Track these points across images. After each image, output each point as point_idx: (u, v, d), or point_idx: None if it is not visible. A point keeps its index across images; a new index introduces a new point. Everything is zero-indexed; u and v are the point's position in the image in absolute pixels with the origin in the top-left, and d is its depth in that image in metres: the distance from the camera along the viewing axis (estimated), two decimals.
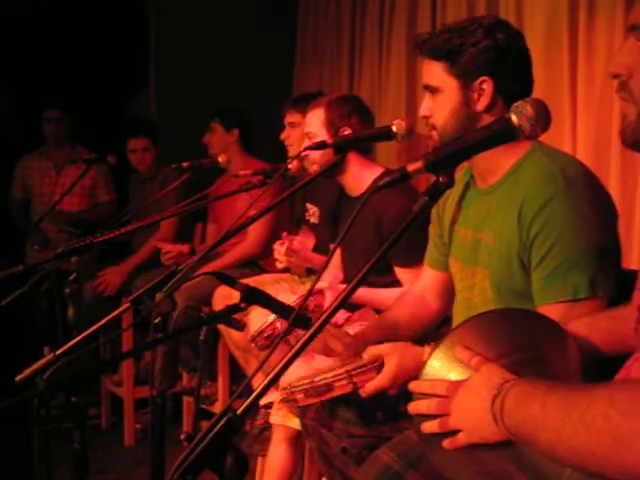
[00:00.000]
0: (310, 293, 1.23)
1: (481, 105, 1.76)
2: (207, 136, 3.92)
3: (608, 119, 2.61)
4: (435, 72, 1.80)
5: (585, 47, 2.70)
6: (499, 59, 1.75)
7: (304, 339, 1.09)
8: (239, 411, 1.02)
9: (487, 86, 1.75)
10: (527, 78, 1.82)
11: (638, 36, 1.13)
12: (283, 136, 3.38)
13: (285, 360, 1.07)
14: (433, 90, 1.81)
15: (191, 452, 1.00)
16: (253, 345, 2.17)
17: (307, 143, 2.63)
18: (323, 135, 2.62)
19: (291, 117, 3.37)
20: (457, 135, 1.74)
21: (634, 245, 2.50)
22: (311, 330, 1.10)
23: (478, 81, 1.76)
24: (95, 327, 1.61)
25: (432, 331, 2.16)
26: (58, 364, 1.38)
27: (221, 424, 1.01)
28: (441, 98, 1.80)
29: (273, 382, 1.06)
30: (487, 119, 1.74)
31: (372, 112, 2.88)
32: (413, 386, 1.33)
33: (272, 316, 2.03)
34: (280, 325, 2.07)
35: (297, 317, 1.52)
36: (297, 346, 1.09)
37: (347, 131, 2.65)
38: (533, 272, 1.67)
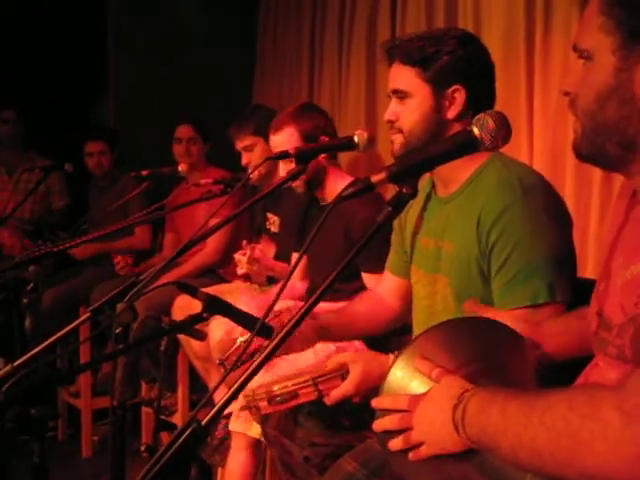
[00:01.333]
0: (275, 302, 1.22)
1: (452, 113, 1.79)
2: (185, 145, 3.87)
3: (564, 130, 2.65)
4: (406, 77, 1.81)
5: (541, 60, 2.74)
6: (471, 70, 1.79)
7: (268, 349, 1.09)
8: (204, 422, 1.02)
9: (459, 95, 1.78)
10: (493, 92, 1.86)
11: (578, 56, 1.19)
12: (244, 162, 3.34)
13: (249, 371, 1.06)
14: (403, 95, 1.82)
15: (155, 463, 0.99)
16: (221, 369, 2.15)
17: (283, 166, 2.63)
18: None
19: (242, 142, 3.34)
20: (425, 140, 1.77)
21: (589, 254, 2.54)
22: (275, 340, 1.10)
23: (451, 89, 1.78)
24: (55, 338, 1.58)
25: (390, 335, 2.18)
26: (17, 376, 1.36)
27: (186, 435, 1.01)
28: (411, 103, 1.81)
29: (237, 393, 1.06)
30: (456, 128, 1.76)
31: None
32: (375, 403, 1.33)
33: (240, 339, 2.02)
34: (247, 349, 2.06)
35: (261, 328, 1.52)
36: (261, 356, 1.08)
37: (325, 139, 2.67)
38: (493, 279, 1.70)
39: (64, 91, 4.59)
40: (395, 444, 1.27)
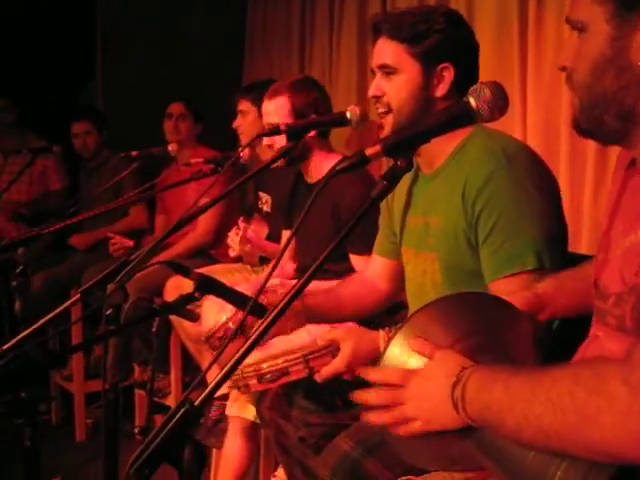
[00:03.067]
0: (267, 280, 1.20)
1: (440, 91, 1.77)
2: (174, 122, 3.86)
3: (557, 105, 2.63)
4: (395, 53, 1.77)
5: (534, 35, 2.72)
6: (460, 48, 1.78)
7: (260, 329, 1.07)
8: (197, 402, 1.00)
9: (448, 73, 1.76)
10: (477, 73, 1.84)
11: (572, 28, 1.18)
12: (235, 124, 3.36)
13: (242, 351, 1.04)
14: (390, 71, 1.78)
15: (148, 445, 0.97)
16: (207, 345, 2.14)
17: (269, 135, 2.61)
18: None
19: (241, 105, 3.35)
20: (412, 117, 1.75)
21: (583, 230, 2.53)
22: (267, 320, 1.08)
23: (440, 67, 1.76)
24: (44, 320, 1.56)
25: (382, 315, 2.16)
26: (5, 359, 1.34)
27: (179, 416, 0.99)
28: (399, 79, 1.77)
29: (230, 373, 1.04)
30: (442, 105, 1.74)
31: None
32: (363, 372, 1.30)
33: (224, 317, 2.00)
34: (232, 325, 2.04)
35: (253, 306, 1.50)
36: (253, 336, 1.07)
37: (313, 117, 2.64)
38: (480, 249, 1.69)
39: (54, 74, 4.56)
40: (379, 418, 1.23)
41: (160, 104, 3.91)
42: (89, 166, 4.31)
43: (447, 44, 1.75)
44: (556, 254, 1.64)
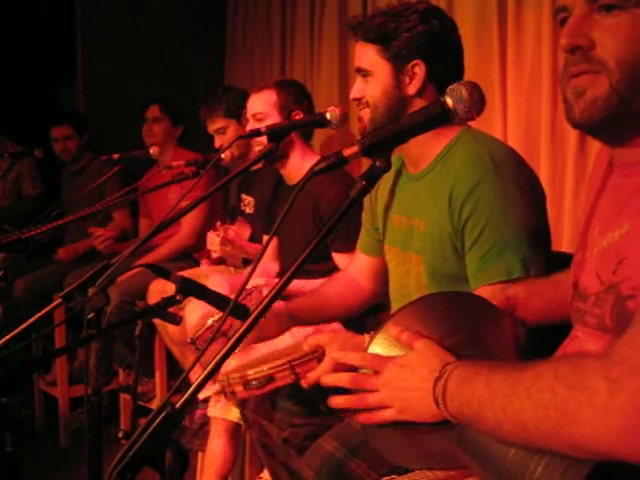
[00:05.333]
0: (247, 282, 1.20)
1: (412, 88, 1.77)
2: (149, 125, 3.84)
3: (537, 103, 2.65)
4: (368, 55, 1.80)
5: (514, 32, 2.73)
6: (432, 45, 1.76)
7: (241, 330, 1.07)
8: (178, 405, 1.00)
9: (419, 70, 1.76)
10: (459, 65, 1.83)
11: (601, 4, 1.08)
12: (217, 145, 3.31)
13: (223, 352, 1.04)
14: (365, 73, 1.81)
15: (129, 449, 0.97)
16: (192, 348, 2.13)
17: (253, 125, 2.61)
18: (275, 117, 2.62)
19: (214, 125, 3.31)
20: (388, 117, 1.76)
21: (565, 228, 2.55)
22: (248, 321, 1.08)
23: (410, 64, 1.76)
24: (25, 325, 1.54)
25: (366, 314, 2.16)
26: None
27: (160, 418, 0.98)
28: (373, 81, 1.80)
29: (212, 374, 1.04)
30: (418, 103, 1.76)
31: None
32: (340, 357, 1.31)
33: (211, 320, 1.99)
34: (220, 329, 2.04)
35: (234, 308, 1.50)
36: (234, 337, 1.06)
37: (299, 115, 2.66)
38: (466, 255, 1.69)
39: (33, 77, 4.52)
40: (348, 402, 1.24)
41: (142, 107, 3.89)
42: (71, 170, 4.28)
43: (417, 41, 1.75)
44: (541, 261, 1.64)
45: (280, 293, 1.11)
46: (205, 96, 3.41)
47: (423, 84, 1.76)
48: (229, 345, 1.05)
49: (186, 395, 1.01)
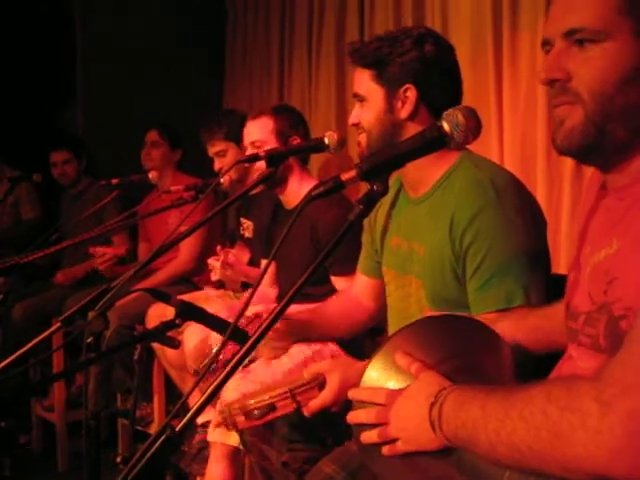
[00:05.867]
0: (247, 306, 1.20)
1: (404, 113, 1.78)
2: (148, 149, 3.85)
3: (533, 127, 2.67)
4: (364, 80, 1.82)
5: (509, 57, 2.75)
6: (425, 69, 1.77)
7: (240, 354, 1.07)
8: (177, 428, 1.00)
9: (411, 94, 1.78)
10: (454, 89, 1.84)
11: (575, 39, 1.13)
12: (216, 168, 3.32)
13: (222, 376, 1.04)
14: (361, 98, 1.84)
15: (129, 472, 0.97)
16: (192, 375, 2.13)
17: (251, 152, 2.62)
18: (272, 143, 2.64)
19: (214, 148, 3.32)
20: (383, 142, 1.78)
21: (562, 250, 2.55)
22: (247, 345, 1.08)
23: (402, 89, 1.78)
24: (24, 349, 1.55)
25: (363, 337, 2.17)
26: None
27: (159, 442, 0.99)
28: (367, 106, 1.82)
29: (211, 399, 1.04)
30: (411, 127, 1.77)
31: None
32: (352, 393, 1.32)
33: (215, 348, 1.99)
34: (223, 357, 2.04)
35: (234, 332, 1.50)
36: (234, 361, 1.07)
37: (296, 140, 2.68)
38: (468, 283, 1.69)
39: (32, 101, 4.54)
40: (368, 437, 1.25)
41: (141, 130, 3.90)
42: (70, 194, 4.28)
43: (409, 66, 1.77)
44: (542, 288, 1.64)
45: (279, 317, 1.12)
46: (204, 119, 3.43)
47: (415, 108, 1.78)
48: (228, 369, 1.05)
49: (185, 419, 1.01)
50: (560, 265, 2.50)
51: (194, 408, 1.01)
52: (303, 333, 2.03)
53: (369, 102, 1.82)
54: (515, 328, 1.50)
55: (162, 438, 0.99)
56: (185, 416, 1.01)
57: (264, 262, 2.98)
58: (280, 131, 2.67)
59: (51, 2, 4.63)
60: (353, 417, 1.30)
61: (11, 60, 4.52)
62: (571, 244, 2.45)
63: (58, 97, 4.74)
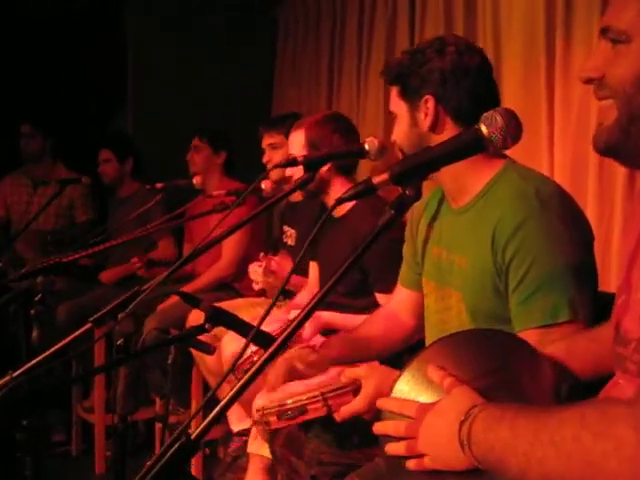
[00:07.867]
0: (270, 310, 1.17)
1: (427, 123, 1.76)
2: (191, 154, 3.87)
3: (585, 142, 2.58)
4: (393, 97, 1.84)
5: (562, 71, 2.68)
6: (442, 77, 1.73)
7: (264, 357, 1.05)
8: (193, 435, 0.97)
9: (430, 104, 1.75)
10: (483, 93, 1.77)
11: (608, 37, 1.15)
12: (265, 159, 3.33)
13: (241, 383, 1.02)
14: (394, 116, 1.85)
15: (143, 478, 0.94)
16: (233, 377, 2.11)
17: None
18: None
19: (271, 139, 3.33)
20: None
21: (612, 268, 2.46)
22: (272, 348, 1.06)
23: (422, 100, 1.76)
24: (54, 348, 1.55)
25: (404, 352, 2.12)
26: (8, 386, 1.32)
27: (174, 449, 0.96)
28: (397, 123, 1.84)
29: (230, 404, 1.01)
30: (436, 139, 1.73)
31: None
32: (381, 403, 1.27)
33: (249, 350, 1.98)
34: (257, 359, 2.01)
35: (263, 337, 1.47)
36: (257, 364, 1.04)
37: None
38: (510, 296, 1.63)
39: (86, 104, 4.67)
40: (395, 449, 1.20)
41: (190, 135, 3.93)
42: (118, 197, 4.34)
43: (427, 76, 1.74)
44: (588, 303, 1.57)
45: (306, 321, 1.10)
46: (253, 124, 3.43)
47: (435, 118, 1.75)
48: (247, 375, 1.03)
49: (201, 426, 0.99)
50: (611, 283, 2.41)
51: (211, 415, 0.99)
52: (346, 359, 1.99)
53: (398, 118, 1.83)
54: (566, 352, 1.42)
55: (177, 444, 0.96)
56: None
57: (312, 265, 2.93)
58: (311, 143, 2.62)
59: (108, 27, 4.79)
60: (381, 427, 1.25)
61: (67, 66, 4.66)
62: (622, 262, 2.37)
63: (111, 103, 4.88)
